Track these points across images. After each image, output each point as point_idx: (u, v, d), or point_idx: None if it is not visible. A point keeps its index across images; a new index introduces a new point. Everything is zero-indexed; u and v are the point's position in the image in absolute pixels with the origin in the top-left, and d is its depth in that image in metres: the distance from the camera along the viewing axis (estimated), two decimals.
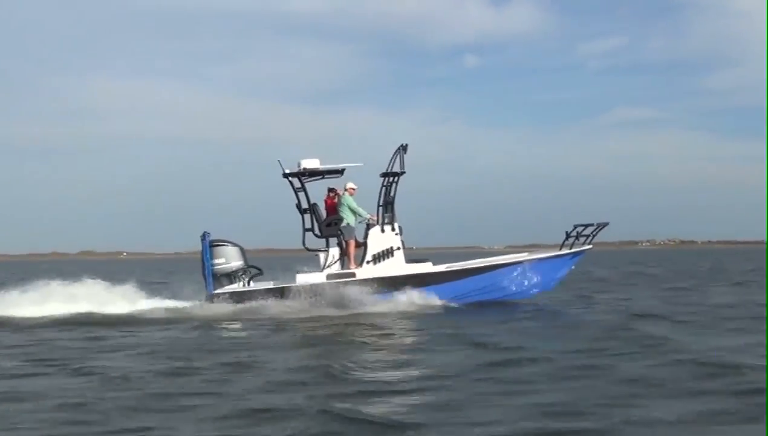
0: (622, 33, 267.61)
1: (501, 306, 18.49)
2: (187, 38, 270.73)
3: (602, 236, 19.48)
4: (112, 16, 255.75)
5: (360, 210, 19.01)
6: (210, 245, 18.77)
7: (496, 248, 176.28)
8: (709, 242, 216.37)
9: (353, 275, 18.59)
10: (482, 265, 19.30)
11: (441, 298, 18.40)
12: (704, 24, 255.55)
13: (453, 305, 18.26)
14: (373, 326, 15.25)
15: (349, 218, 18.99)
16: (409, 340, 13.63)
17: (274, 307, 17.71)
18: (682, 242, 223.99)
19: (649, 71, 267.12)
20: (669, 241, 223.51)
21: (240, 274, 18.87)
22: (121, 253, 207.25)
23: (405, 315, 17.02)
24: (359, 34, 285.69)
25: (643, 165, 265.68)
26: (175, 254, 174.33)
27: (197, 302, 18.62)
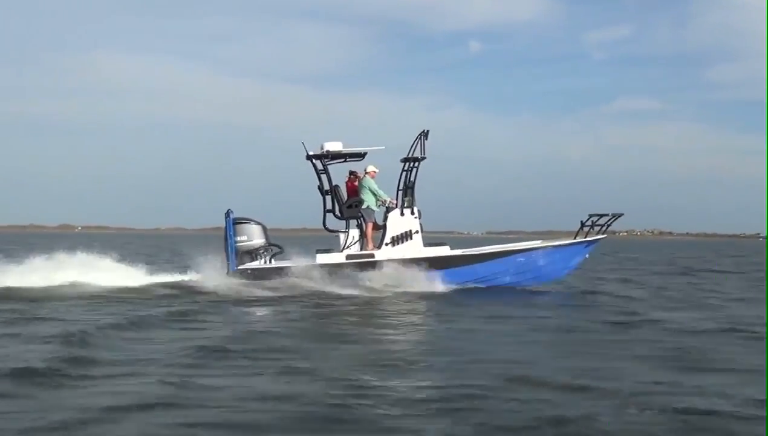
0: (628, 23, 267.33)
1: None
2: (192, 17, 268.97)
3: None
4: None
5: (380, 193, 19.42)
6: (233, 223, 19.15)
7: (474, 233, 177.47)
8: (687, 233, 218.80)
9: (372, 256, 19.05)
10: (499, 250, 19.80)
11: (458, 281, 18.92)
12: (710, 16, 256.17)
13: (469, 286, 18.81)
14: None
15: (369, 201, 19.40)
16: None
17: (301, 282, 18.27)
18: (661, 233, 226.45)
19: (653, 62, 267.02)
20: (647, 231, 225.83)
21: (261, 251, 19.28)
22: (75, 227, 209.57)
23: (426, 297, 17.47)
24: (366, 19, 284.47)
25: (637, 156, 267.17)
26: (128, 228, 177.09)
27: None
